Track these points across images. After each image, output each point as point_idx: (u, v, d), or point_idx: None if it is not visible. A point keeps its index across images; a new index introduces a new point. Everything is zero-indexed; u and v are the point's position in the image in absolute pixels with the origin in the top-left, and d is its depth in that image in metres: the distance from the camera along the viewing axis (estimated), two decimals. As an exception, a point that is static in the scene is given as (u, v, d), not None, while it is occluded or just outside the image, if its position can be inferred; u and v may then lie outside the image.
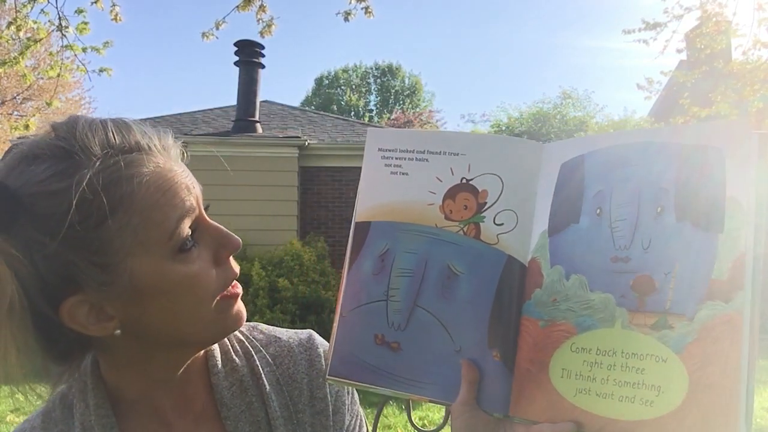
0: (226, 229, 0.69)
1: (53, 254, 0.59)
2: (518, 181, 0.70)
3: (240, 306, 0.72)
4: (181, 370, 0.73)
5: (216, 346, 0.79)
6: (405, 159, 0.73)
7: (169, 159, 0.66)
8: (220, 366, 0.77)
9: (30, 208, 0.59)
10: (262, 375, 0.78)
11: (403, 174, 0.73)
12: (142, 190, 0.61)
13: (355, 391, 0.85)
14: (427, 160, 0.73)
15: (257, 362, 0.79)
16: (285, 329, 0.87)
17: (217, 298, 0.68)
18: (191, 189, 0.67)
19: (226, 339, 0.81)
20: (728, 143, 0.58)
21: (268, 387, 0.77)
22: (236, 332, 0.82)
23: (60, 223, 0.58)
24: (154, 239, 0.61)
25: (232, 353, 0.79)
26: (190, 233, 0.65)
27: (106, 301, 0.63)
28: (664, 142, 0.62)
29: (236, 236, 0.70)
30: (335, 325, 0.72)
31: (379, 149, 0.75)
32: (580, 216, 0.65)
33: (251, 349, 0.81)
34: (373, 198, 0.74)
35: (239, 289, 0.71)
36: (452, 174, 0.72)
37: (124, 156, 0.62)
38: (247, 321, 0.86)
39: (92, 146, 0.61)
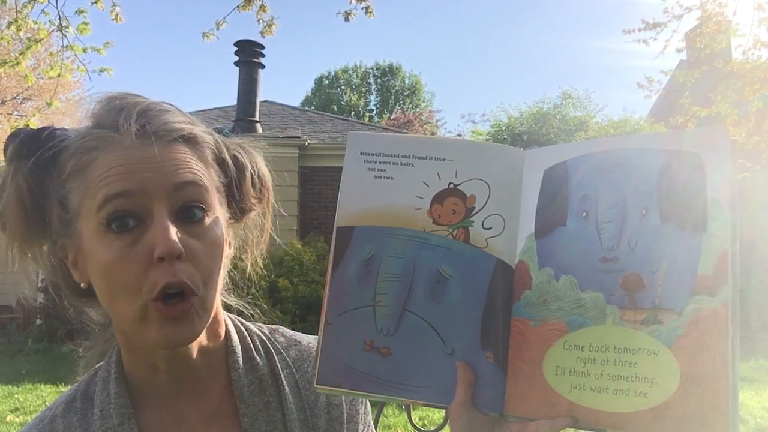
0: (167, 233, 0.64)
1: (45, 196, 0.71)
2: (503, 186, 0.71)
3: (165, 330, 0.65)
4: (181, 360, 0.74)
5: (237, 343, 0.79)
6: (389, 163, 0.73)
7: (141, 144, 0.67)
8: (241, 363, 0.78)
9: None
10: (282, 376, 0.79)
11: (387, 178, 0.73)
12: (97, 162, 0.67)
13: (367, 402, 0.85)
14: (412, 164, 0.73)
15: (278, 363, 0.80)
16: (305, 334, 0.87)
17: (144, 301, 0.65)
18: (140, 176, 0.65)
19: (247, 337, 0.81)
20: (706, 149, 0.62)
21: (287, 388, 0.78)
22: (259, 332, 0.83)
23: (48, 172, 0.70)
24: (89, 208, 0.66)
25: (254, 351, 0.80)
26: (118, 216, 0.65)
27: (77, 253, 0.71)
28: (645, 148, 0.65)
29: (171, 244, 0.63)
30: (320, 332, 0.71)
31: (362, 153, 0.74)
32: (566, 219, 0.68)
33: (272, 350, 0.81)
34: (356, 202, 0.73)
35: (170, 307, 0.65)
36: (439, 179, 0.72)
37: (100, 130, 0.69)
38: (250, 321, 0.87)
39: (87, 118, 0.71)
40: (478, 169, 0.72)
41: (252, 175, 0.79)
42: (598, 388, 0.62)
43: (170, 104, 0.74)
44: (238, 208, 0.79)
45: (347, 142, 0.75)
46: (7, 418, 5.62)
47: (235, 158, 0.78)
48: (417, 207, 0.72)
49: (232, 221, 0.79)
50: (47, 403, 5.71)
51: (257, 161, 0.81)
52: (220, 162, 0.75)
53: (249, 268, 0.85)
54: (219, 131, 0.81)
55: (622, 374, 0.61)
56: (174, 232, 0.64)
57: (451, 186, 0.72)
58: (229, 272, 0.84)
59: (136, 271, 0.64)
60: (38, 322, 9.70)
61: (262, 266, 0.86)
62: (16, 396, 6.46)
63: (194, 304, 0.66)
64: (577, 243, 0.66)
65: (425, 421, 5.20)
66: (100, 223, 0.65)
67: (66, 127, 0.73)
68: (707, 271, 0.59)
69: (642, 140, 0.67)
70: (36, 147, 0.70)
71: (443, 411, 0.70)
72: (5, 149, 0.72)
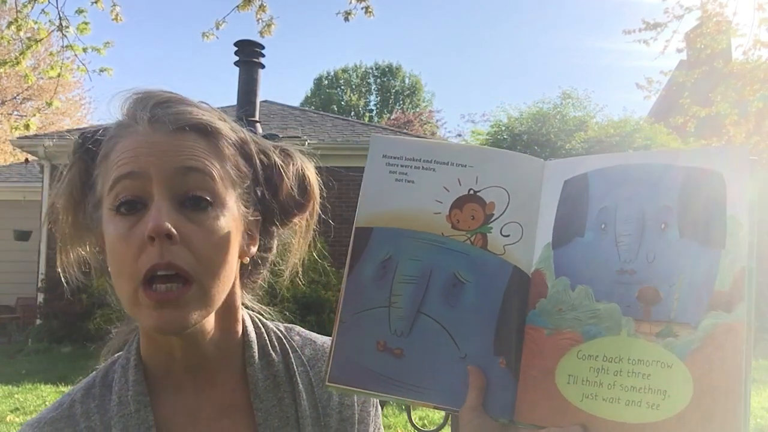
0: (157, 213, 0.65)
1: (91, 185, 0.74)
2: (523, 194, 0.72)
3: (156, 315, 0.65)
4: (192, 350, 0.74)
5: (254, 338, 0.80)
6: (411, 167, 0.74)
7: (152, 131, 0.69)
8: (257, 358, 0.79)
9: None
10: (296, 374, 0.80)
11: (408, 182, 0.73)
12: (115, 149, 0.70)
13: (378, 404, 0.86)
14: (434, 169, 0.73)
15: (293, 361, 0.81)
16: (320, 334, 0.88)
17: (135, 285, 0.66)
18: (144, 159, 0.67)
19: (264, 333, 0.82)
20: (728, 168, 0.63)
21: (301, 386, 0.79)
22: (276, 330, 0.85)
23: (93, 163, 0.74)
24: (106, 189, 0.70)
25: (270, 348, 0.81)
26: (124, 198, 0.67)
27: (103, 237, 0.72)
28: (667, 164, 0.66)
29: (158, 222, 0.64)
30: (335, 331, 0.72)
31: (384, 156, 0.75)
32: (585, 230, 0.68)
33: (288, 348, 0.82)
34: (376, 204, 0.73)
35: (157, 293, 0.65)
36: (460, 185, 0.73)
37: (123, 120, 0.73)
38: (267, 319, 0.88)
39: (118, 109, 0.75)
40: (499, 176, 0.72)
41: (291, 179, 0.80)
42: (611, 398, 0.62)
43: (203, 102, 0.76)
44: (276, 211, 0.80)
45: (370, 144, 0.76)
46: (7, 418, 5.62)
47: (266, 159, 0.78)
48: (436, 211, 0.72)
49: (259, 221, 0.79)
50: (47, 403, 5.71)
51: (302, 167, 0.82)
52: (248, 159, 0.76)
53: (287, 273, 0.87)
54: (271, 137, 0.82)
55: (635, 385, 0.62)
56: (166, 213, 0.65)
57: (471, 192, 0.72)
58: (266, 279, 0.86)
59: (132, 253, 0.66)
60: (38, 322, 9.69)
61: (301, 275, 0.88)
62: (16, 396, 6.45)
63: (189, 291, 0.66)
64: (594, 254, 0.67)
65: (425, 421, 5.21)
66: (111, 205, 0.68)
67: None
68: (724, 287, 0.60)
69: (662, 155, 0.68)
70: (90, 140, 0.75)
71: (443, 411, 0.70)
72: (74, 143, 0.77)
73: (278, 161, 0.79)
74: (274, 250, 0.85)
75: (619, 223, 0.66)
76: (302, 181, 0.81)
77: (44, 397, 6.44)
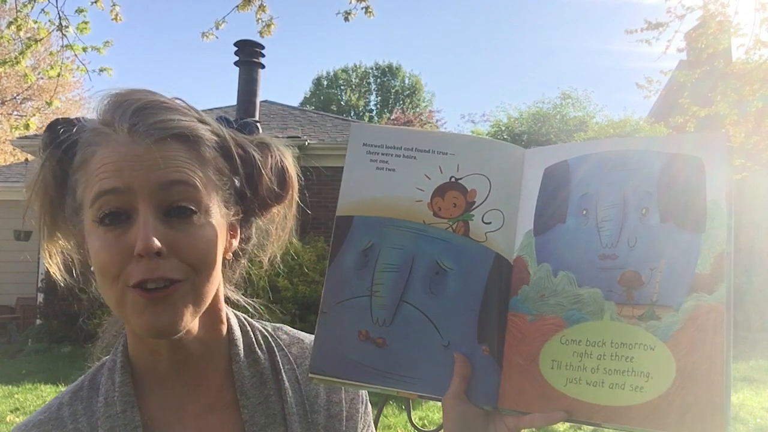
0: (146, 231, 0.65)
1: (65, 184, 0.74)
2: (504, 182, 0.72)
3: (147, 315, 0.66)
4: (178, 348, 0.74)
5: (240, 336, 0.80)
6: (392, 155, 0.74)
7: (133, 143, 0.68)
8: (242, 356, 0.79)
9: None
10: (282, 372, 0.80)
11: (389, 170, 0.73)
12: (95, 157, 0.69)
13: (368, 401, 0.86)
14: (414, 157, 0.73)
15: (279, 359, 0.81)
16: (307, 333, 0.88)
17: (122, 287, 0.66)
18: (127, 174, 0.66)
19: (250, 332, 0.82)
20: (707, 152, 0.64)
21: (287, 383, 0.79)
22: (262, 329, 0.85)
23: (69, 162, 0.73)
24: (87, 200, 0.69)
25: (256, 346, 0.81)
26: (107, 212, 0.67)
27: (84, 239, 0.72)
28: (646, 150, 0.67)
29: (146, 242, 0.64)
30: (317, 321, 0.72)
31: (364, 144, 0.75)
32: (566, 217, 0.69)
33: (274, 346, 0.83)
34: (357, 192, 0.73)
35: (147, 291, 0.65)
36: (441, 172, 0.73)
37: (100, 127, 0.70)
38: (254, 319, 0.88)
39: (95, 113, 0.73)
40: (480, 164, 0.72)
41: (269, 172, 0.79)
42: (594, 382, 0.63)
43: (179, 100, 0.74)
44: (256, 204, 0.80)
45: (350, 132, 0.76)
46: (7, 418, 5.62)
47: (245, 155, 0.78)
48: (418, 199, 0.72)
49: (240, 216, 0.79)
50: (47, 402, 5.69)
51: (281, 158, 0.81)
52: (229, 158, 0.75)
53: (266, 263, 0.87)
54: (225, 121, 0.81)
55: (618, 368, 0.62)
56: (153, 230, 0.65)
57: (453, 180, 0.72)
58: (246, 270, 0.86)
59: (117, 262, 0.66)
60: (38, 322, 9.69)
61: (280, 263, 0.88)
62: (16, 396, 6.45)
63: (179, 288, 0.67)
64: (576, 240, 0.67)
65: (425, 421, 5.21)
66: (94, 216, 0.68)
67: (86, 118, 0.75)
68: (705, 269, 0.61)
69: (643, 142, 0.69)
70: (58, 136, 0.73)
71: (426, 399, 0.71)
72: (42, 138, 0.76)
73: (256, 155, 0.78)
74: (253, 240, 0.85)
75: (600, 209, 0.67)
76: (281, 172, 0.81)
77: (44, 397, 6.44)
